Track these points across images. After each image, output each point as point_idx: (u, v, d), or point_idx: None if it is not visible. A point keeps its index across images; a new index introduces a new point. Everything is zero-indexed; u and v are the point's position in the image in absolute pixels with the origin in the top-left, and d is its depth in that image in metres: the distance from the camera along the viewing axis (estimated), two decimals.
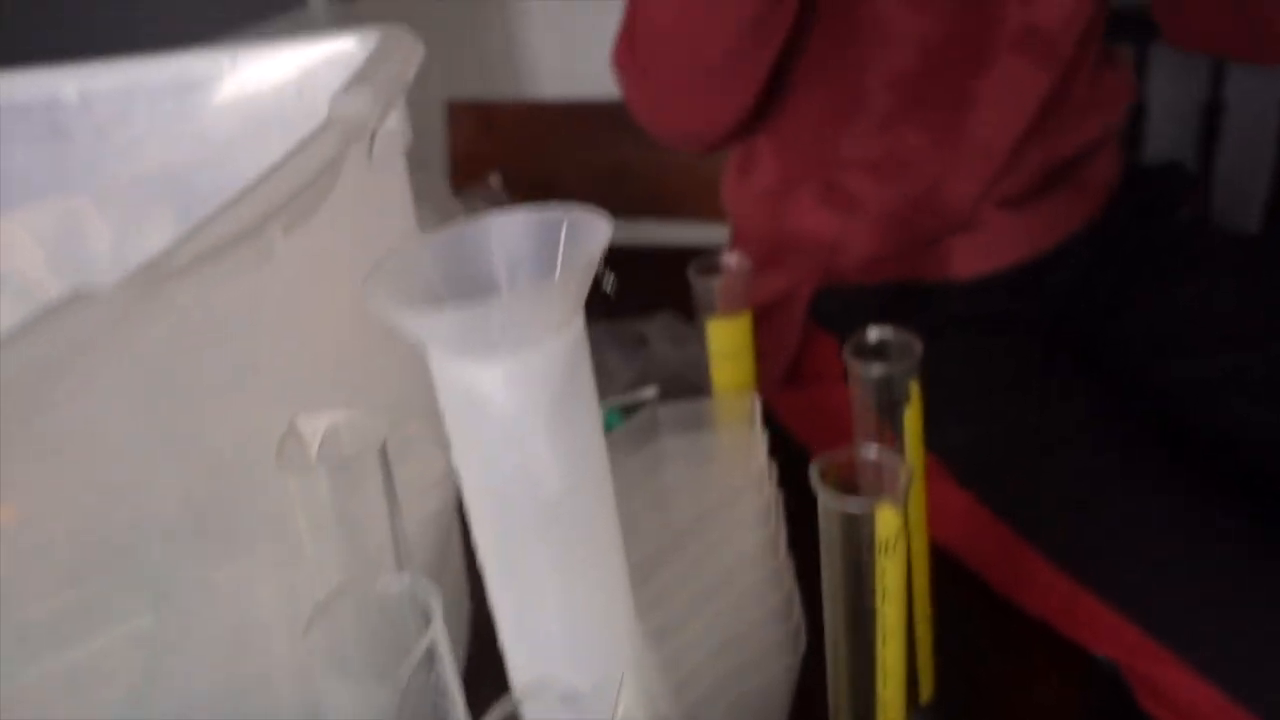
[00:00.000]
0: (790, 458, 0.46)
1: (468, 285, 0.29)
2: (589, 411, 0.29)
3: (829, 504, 0.31)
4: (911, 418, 0.42)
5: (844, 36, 0.63)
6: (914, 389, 0.42)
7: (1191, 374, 0.63)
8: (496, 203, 1.38)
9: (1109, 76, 0.69)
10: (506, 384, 0.26)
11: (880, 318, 0.69)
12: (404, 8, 1.89)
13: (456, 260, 0.29)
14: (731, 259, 0.49)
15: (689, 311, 0.87)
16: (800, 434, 0.73)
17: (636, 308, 0.99)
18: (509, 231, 0.29)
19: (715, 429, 0.47)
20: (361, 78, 0.39)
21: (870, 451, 0.33)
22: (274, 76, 0.52)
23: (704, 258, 0.49)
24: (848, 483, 0.33)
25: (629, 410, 0.89)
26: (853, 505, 0.30)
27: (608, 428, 0.94)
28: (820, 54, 0.64)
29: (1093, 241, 0.70)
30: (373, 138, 0.36)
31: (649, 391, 0.88)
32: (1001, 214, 0.67)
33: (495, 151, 1.49)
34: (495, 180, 1.37)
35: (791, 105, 0.67)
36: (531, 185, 1.31)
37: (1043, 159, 0.67)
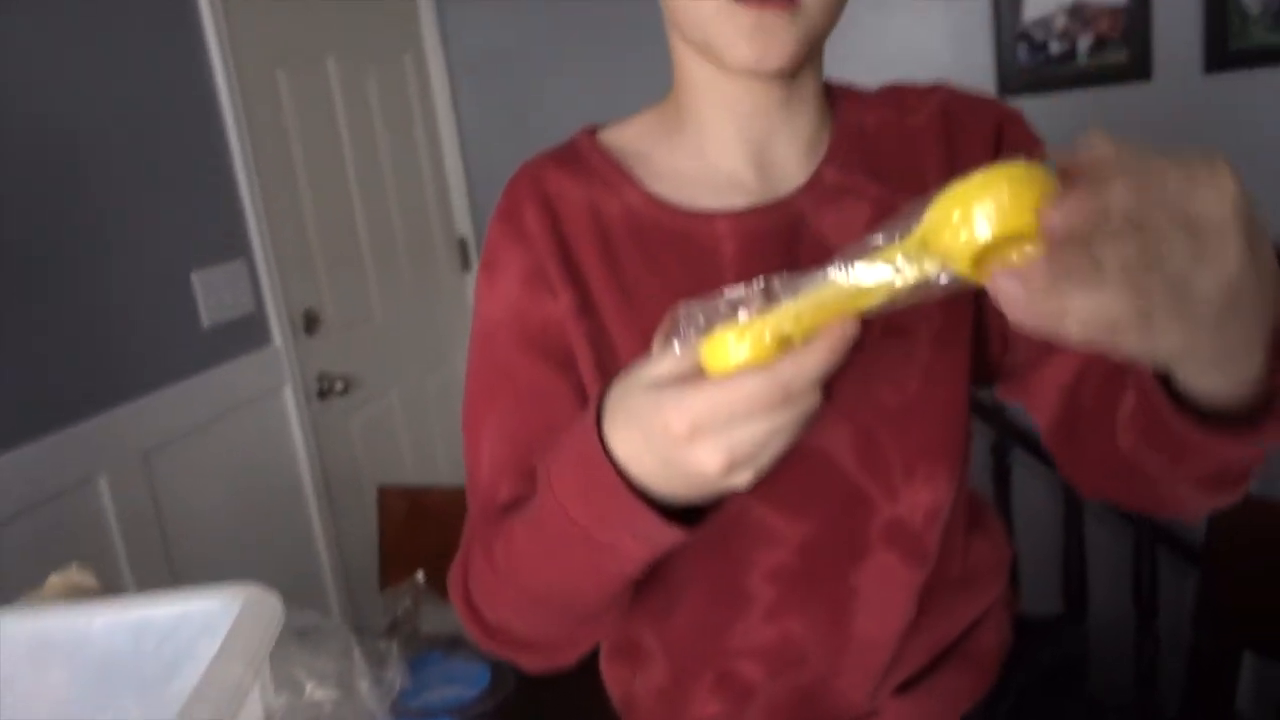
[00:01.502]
0: None
1: None
2: None
3: None
4: None
5: (725, 540, 0.64)
6: None
7: None
8: (420, 602, 1.36)
9: (983, 551, 0.71)
10: None
11: None
12: (356, 352, 1.96)
13: None
14: None
15: None
16: None
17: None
18: None
19: None
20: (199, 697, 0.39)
21: None
22: (134, 634, 0.52)
23: None
24: None
25: None
26: None
27: None
28: (703, 558, 0.65)
29: (991, 714, 0.69)
30: None
31: None
32: (896, 701, 0.66)
33: (426, 540, 1.48)
34: (420, 578, 1.36)
35: (678, 605, 0.67)
36: None
37: (928, 643, 0.67)
